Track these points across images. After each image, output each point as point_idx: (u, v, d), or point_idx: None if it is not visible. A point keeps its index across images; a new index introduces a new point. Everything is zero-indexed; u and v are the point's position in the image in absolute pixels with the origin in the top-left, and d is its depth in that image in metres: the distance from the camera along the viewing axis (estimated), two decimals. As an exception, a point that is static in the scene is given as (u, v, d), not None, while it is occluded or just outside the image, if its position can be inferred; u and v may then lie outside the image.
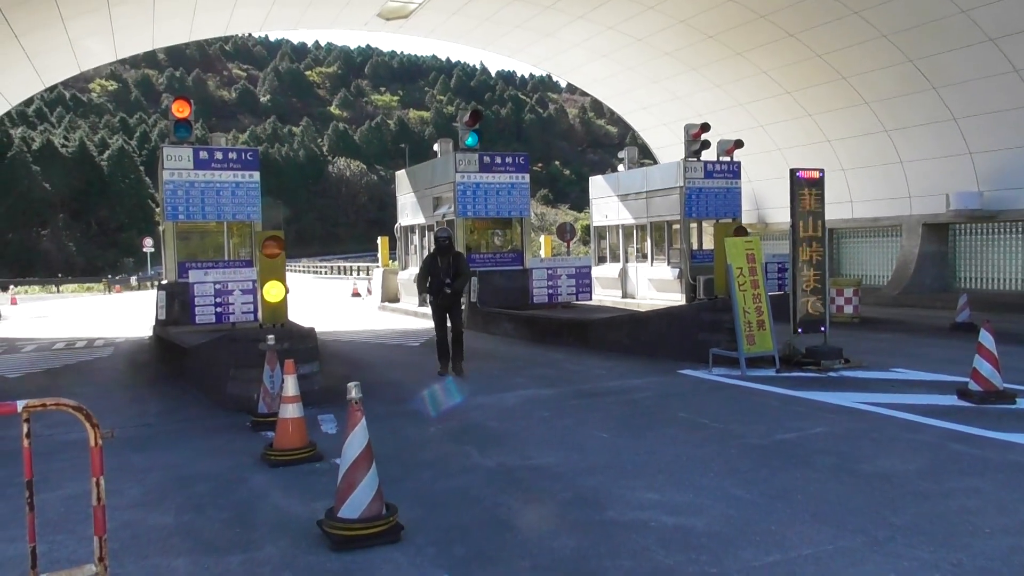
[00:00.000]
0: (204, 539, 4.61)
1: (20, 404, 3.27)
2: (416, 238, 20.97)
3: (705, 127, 18.47)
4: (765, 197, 24.54)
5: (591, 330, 13.27)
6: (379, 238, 26.49)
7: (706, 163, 18.51)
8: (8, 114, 57.10)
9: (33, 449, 3.32)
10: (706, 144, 18.56)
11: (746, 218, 21.20)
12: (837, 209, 21.31)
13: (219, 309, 11.69)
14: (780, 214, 22.99)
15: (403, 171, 22.50)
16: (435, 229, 10.56)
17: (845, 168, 21.67)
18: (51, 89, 70.57)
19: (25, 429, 3.28)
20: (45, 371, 12.18)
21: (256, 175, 14.23)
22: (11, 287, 43.36)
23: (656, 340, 11.76)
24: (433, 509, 4.99)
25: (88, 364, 13.06)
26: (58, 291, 50.41)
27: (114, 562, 3.68)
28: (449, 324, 10.30)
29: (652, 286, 19.58)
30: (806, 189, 10.20)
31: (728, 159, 18.83)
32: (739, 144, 18.78)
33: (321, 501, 4.92)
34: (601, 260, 22.01)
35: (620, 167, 22.30)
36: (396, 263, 23.69)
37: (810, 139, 22.20)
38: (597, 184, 22.42)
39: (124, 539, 4.57)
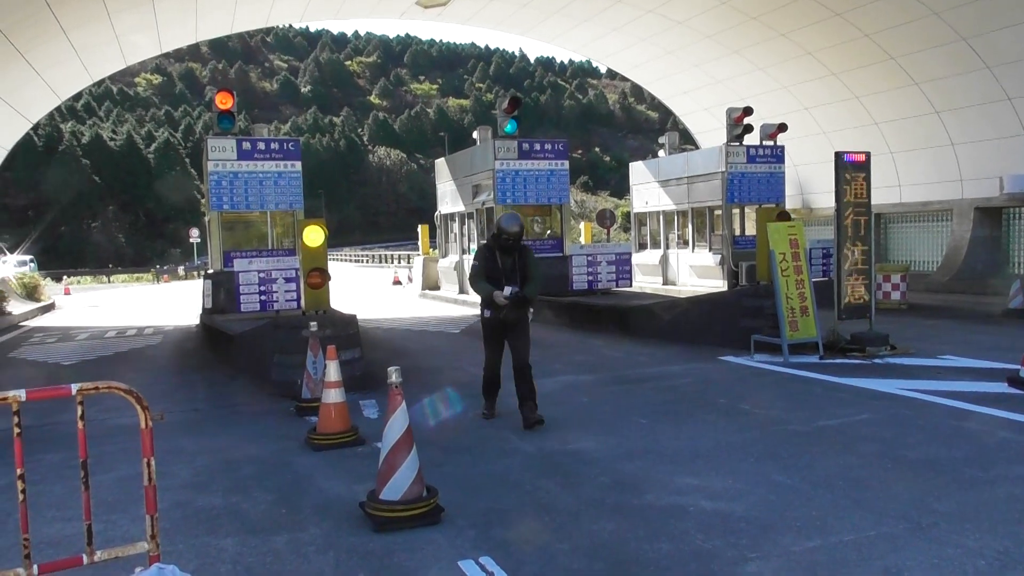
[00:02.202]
0: (251, 520, 4.73)
1: (74, 387, 3.39)
2: (456, 226, 21.05)
3: (747, 111, 18.18)
4: (810, 182, 24.09)
5: (631, 317, 13.22)
6: (419, 226, 26.65)
7: (748, 147, 18.23)
8: (58, 109, 58.59)
9: (88, 433, 3.44)
10: (748, 128, 18.27)
11: (790, 203, 20.86)
12: (885, 193, 20.85)
13: (263, 297, 11.90)
14: (825, 199, 22.55)
15: (442, 159, 22.59)
16: (500, 218, 6.97)
17: (893, 151, 21.17)
18: (99, 83, 72.15)
19: (79, 411, 3.39)
20: (98, 358, 12.54)
21: (298, 165, 14.41)
22: (64, 278, 44.57)
23: (697, 327, 11.67)
24: (473, 492, 5.05)
25: (139, 351, 13.41)
26: (109, 281, 51.73)
27: (165, 540, 3.79)
28: (509, 351, 6.92)
29: (693, 273, 19.40)
30: (851, 172, 10.01)
31: (771, 143, 18.51)
32: (783, 128, 18.45)
33: (363, 484, 5.01)
34: (641, 247, 21.86)
35: (661, 153, 22.08)
36: (436, 251, 23.82)
37: (857, 122, 21.72)
38: (637, 170, 22.24)
39: (175, 519, 4.71)
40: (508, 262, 6.88)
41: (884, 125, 21.16)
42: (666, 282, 20.43)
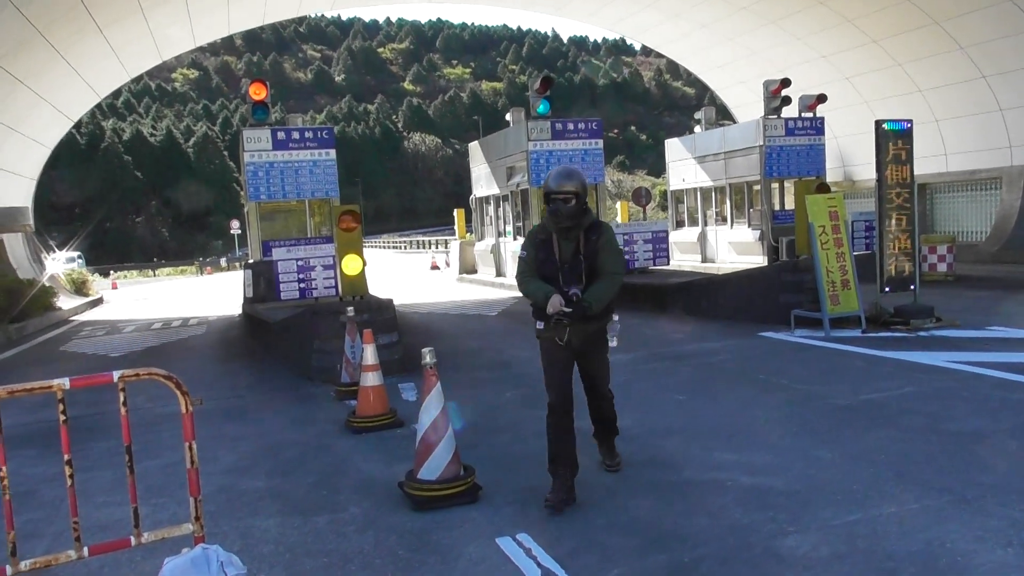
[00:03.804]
0: (292, 501, 4.82)
1: (116, 374, 3.47)
2: (491, 209, 21.05)
3: (785, 82, 17.82)
4: (851, 153, 23.57)
5: (668, 294, 13.12)
6: (455, 211, 26.71)
7: (787, 120, 17.89)
8: (99, 107, 59.76)
9: (135, 421, 3.53)
10: (787, 100, 17.91)
11: (831, 176, 20.45)
12: (930, 163, 20.31)
13: (302, 285, 12.04)
14: (867, 170, 22.02)
15: (476, 143, 22.57)
16: (547, 183, 4.53)
17: (938, 119, 20.59)
18: (137, 80, 73.50)
19: (122, 398, 3.48)
20: (145, 349, 12.84)
21: (332, 153, 14.52)
22: (111, 273, 45.73)
23: (735, 303, 11.54)
24: (509, 471, 5.08)
25: (184, 341, 13.70)
26: (154, 275, 52.88)
27: (210, 523, 3.89)
28: (584, 381, 4.90)
29: (732, 249, 19.16)
30: (893, 141, 9.77)
31: (810, 115, 18.13)
32: (822, 99, 18.06)
33: (402, 464, 5.07)
34: (679, 224, 21.64)
35: (697, 128, 21.78)
36: (472, 235, 23.87)
37: (900, 90, 21.15)
38: (673, 147, 21.98)
39: (219, 502, 4.82)
40: (569, 249, 4.48)
41: (928, 92, 20.58)
42: (704, 260, 20.22)
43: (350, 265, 9.39)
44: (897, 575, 3.36)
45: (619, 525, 4.09)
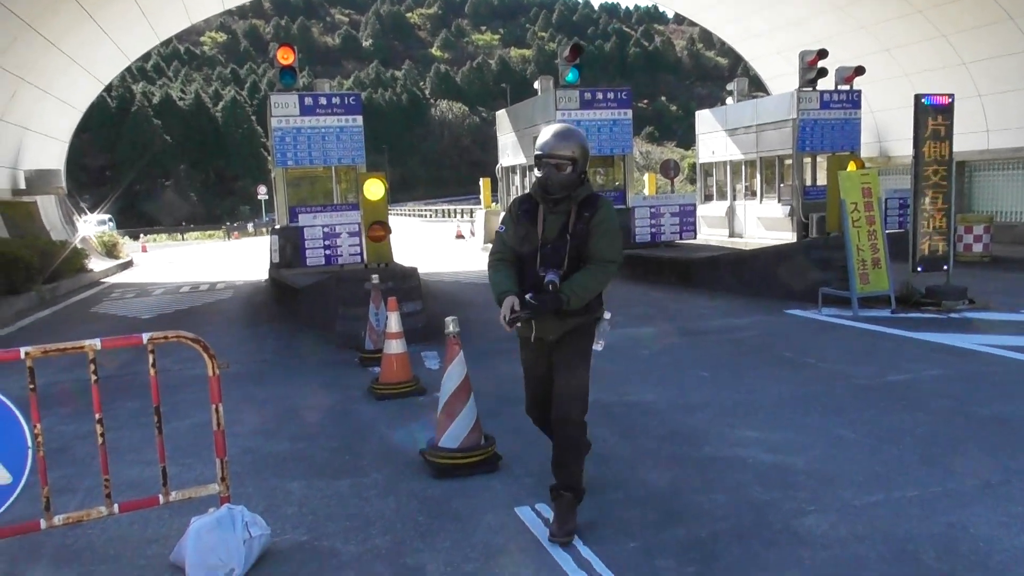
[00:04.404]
0: (316, 465, 4.89)
1: (145, 336, 3.53)
2: (517, 178, 20.96)
3: (822, 53, 17.43)
4: (888, 128, 23.09)
5: (694, 269, 13.03)
6: (481, 180, 26.64)
7: (822, 93, 17.54)
8: (129, 70, 60.04)
9: (163, 383, 3.59)
10: (823, 72, 17.53)
11: (866, 151, 20.06)
12: (971, 139, 19.82)
13: (328, 251, 12.11)
14: (904, 146, 21.56)
15: (503, 111, 22.41)
16: (539, 143, 3.67)
17: (982, 94, 20.04)
18: (166, 43, 73.71)
19: (151, 360, 3.54)
20: (174, 312, 13.03)
21: (359, 119, 14.50)
22: (141, 236, 46.29)
23: (762, 279, 11.44)
24: (530, 442, 5.09)
25: (211, 305, 13.87)
26: (183, 239, 53.42)
27: (236, 483, 3.96)
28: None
29: (761, 224, 18.94)
30: (933, 116, 9.54)
31: (847, 87, 17.76)
32: (860, 71, 17.65)
33: (423, 432, 5.12)
34: (707, 198, 21.42)
35: (729, 100, 21.44)
36: (498, 204, 23.82)
37: (943, 62, 20.59)
38: (704, 119, 21.68)
39: (245, 463, 4.91)
40: (556, 225, 3.69)
41: (973, 65, 20.02)
42: (732, 234, 20.02)
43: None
44: (917, 558, 3.35)
45: (637, 499, 4.11)
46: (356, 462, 4.91)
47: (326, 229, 12.21)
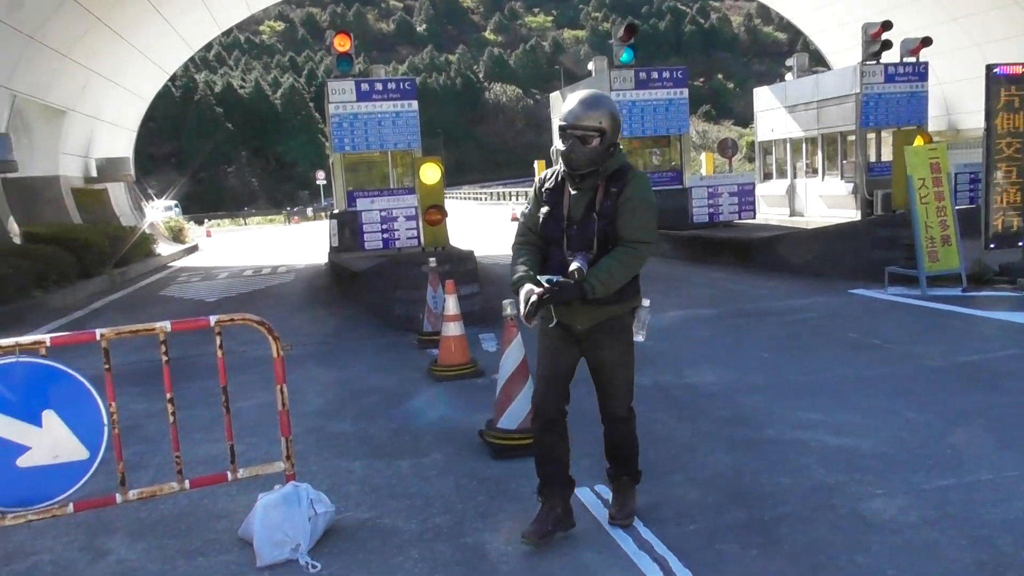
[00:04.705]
0: (377, 445, 4.98)
1: (212, 319, 3.63)
2: (572, 160, 20.84)
3: (886, 25, 16.82)
4: (957, 101, 22.23)
5: (754, 249, 12.79)
6: (536, 162, 26.55)
7: (887, 66, 16.94)
8: (192, 60, 61.40)
9: (229, 364, 3.69)
10: (887, 44, 16.92)
11: (933, 125, 19.35)
12: (1042, 110, 18.95)
13: (385, 235, 12.25)
14: (974, 119, 20.73)
15: (557, 93, 22.28)
16: (563, 112, 3.26)
17: (1055, 63, 19.14)
18: (227, 33, 75.03)
19: (218, 342, 3.64)
20: (237, 295, 13.36)
21: (414, 104, 14.57)
22: (205, 221, 47.52)
23: (825, 259, 11.17)
24: (587, 424, 5.06)
25: (273, 289, 14.18)
26: (245, 223, 54.71)
27: (300, 462, 4.05)
28: (596, 388, 3.67)
29: (823, 203, 18.47)
30: (1005, 87, 9.14)
31: (913, 60, 17.12)
32: (926, 42, 16.99)
33: (481, 413, 5.15)
34: (767, 177, 20.97)
35: (788, 76, 20.90)
36: (553, 187, 23.70)
37: (1015, 31, 19.67)
38: (763, 96, 21.18)
39: (308, 443, 5.02)
40: (582, 204, 3.33)
41: (1047, 34, 19.12)
42: (793, 213, 19.57)
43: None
44: (993, 544, 3.25)
45: (697, 481, 4.07)
46: (416, 442, 4.98)
47: (383, 213, 12.35)
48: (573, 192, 3.33)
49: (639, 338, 3.46)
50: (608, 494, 3.90)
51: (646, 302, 3.47)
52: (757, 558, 3.25)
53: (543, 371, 3.51)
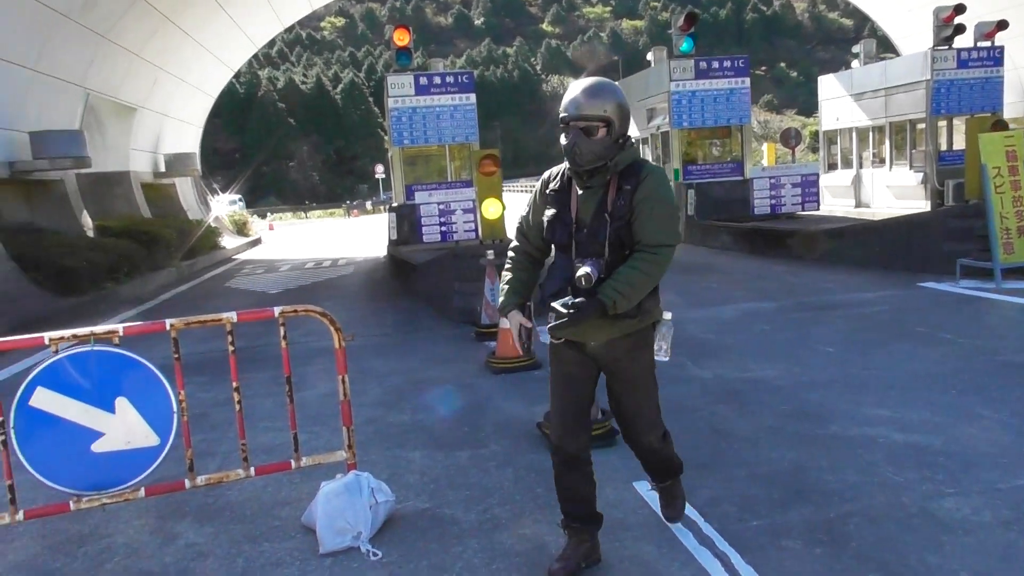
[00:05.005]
0: (436, 436, 5.02)
1: (277, 310, 3.71)
2: (630, 152, 20.67)
3: (959, 9, 16.20)
4: (1033, 86, 21.29)
5: (817, 241, 12.48)
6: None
7: (959, 51, 16.32)
8: (255, 57, 62.75)
9: (291, 354, 3.76)
10: (960, 28, 16.29)
11: (1009, 111, 18.56)
12: None
13: (443, 228, 12.36)
14: (1053, 105, 19.91)
15: (616, 84, 22.10)
16: (564, 102, 2.92)
17: None
18: (289, 30, 76.49)
19: (282, 332, 3.71)
20: (299, 287, 13.63)
21: (472, 97, 14.62)
22: (268, 214, 48.61)
23: (892, 251, 10.84)
24: (648, 417, 5.05)
25: (333, 281, 14.42)
26: (306, 216, 55.76)
27: (361, 451, 4.11)
28: (615, 413, 3.25)
29: (890, 193, 17.92)
30: (1085, 71, 8.71)
31: (988, 44, 16.47)
32: (1002, 25, 16.29)
33: (539, 405, 5.15)
34: (831, 167, 20.44)
35: (855, 63, 20.33)
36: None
37: (1095, 13, 18.77)
38: (828, 84, 20.64)
39: (369, 433, 5.09)
40: (591, 204, 2.98)
41: None
42: (859, 204, 19.05)
43: (490, 210, 9.48)
44: (1072, 547, 3.11)
45: (760, 477, 4.00)
46: (474, 434, 5.01)
47: (441, 206, 12.45)
48: (580, 192, 2.99)
49: (662, 357, 3.09)
50: (668, 488, 3.86)
51: (668, 315, 3.07)
52: (822, 556, 3.17)
53: (558, 403, 3.14)
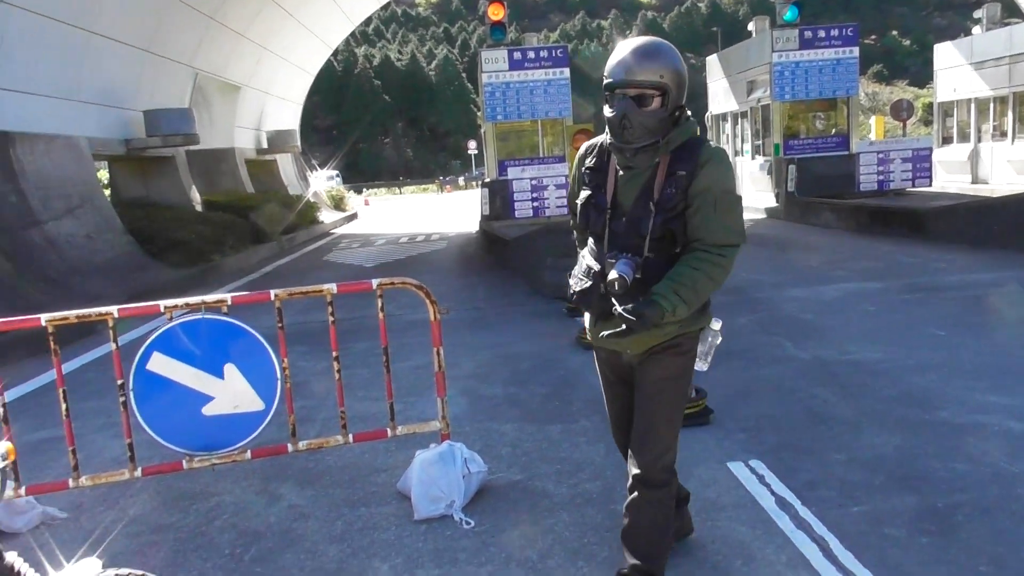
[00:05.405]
0: (527, 410, 5.06)
1: (375, 282, 3.80)
2: (728, 126, 20.11)
3: (1094, -32, 15.00)
4: None
5: (929, 219, 11.87)
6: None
7: (1093, 14, 15.13)
8: (352, 35, 64.06)
9: (387, 326, 3.85)
10: (1094, -10, 15.10)
11: None
12: None
13: (535, 203, 12.36)
14: None
15: (714, 56, 21.50)
16: (609, 67, 2.44)
17: None
18: (385, 7, 77.66)
19: (379, 304, 3.80)
20: (394, 261, 13.92)
21: (566, 72, 14.51)
22: (364, 190, 49.77)
23: (1013, 230, 10.19)
24: (743, 397, 4.94)
25: (427, 256, 14.65)
26: (400, 192, 56.82)
27: (454, 423, 4.18)
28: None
29: (1011, 168, 16.83)
30: None
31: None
32: None
33: (632, 382, 5.10)
34: (945, 141, 19.36)
35: (976, 30, 19.12)
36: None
37: None
38: (944, 52, 19.50)
39: (462, 405, 5.17)
40: (633, 188, 2.54)
41: None
42: (975, 180, 17.99)
43: None
44: None
45: (862, 461, 3.86)
46: (565, 408, 5.02)
47: (533, 182, 12.45)
48: (621, 172, 2.54)
49: (701, 367, 2.70)
50: (763, 469, 3.77)
51: (716, 324, 2.64)
52: (928, 546, 3.04)
53: (609, 410, 2.95)
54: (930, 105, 22.90)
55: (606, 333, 2.52)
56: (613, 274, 2.41)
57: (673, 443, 2.67)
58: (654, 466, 2.60)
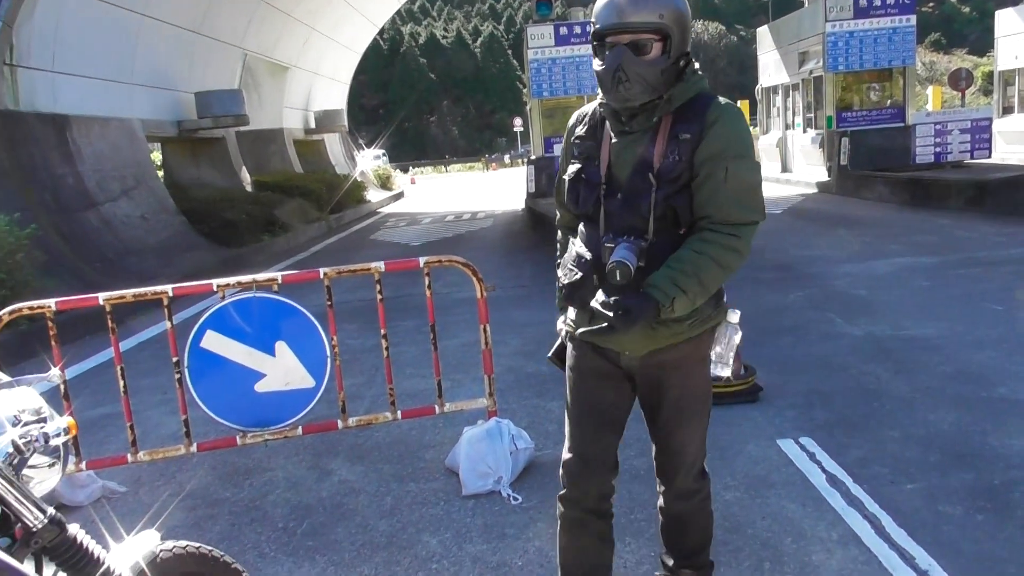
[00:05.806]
0: (573, 387, 5.05)
1: (422, 260, 3.83)
2: (778, 99, 19.68)
3: None
4: None
5: (988, 192, 11.48)
6: (739, 102, 25.30)
7: None
8: (398, 13, 64.15)
9: (434, 304, 3.89)
10: None
11: None
12: None
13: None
14: None
15: (765, 27, 21.00)
16: (597, 11, 1.97)
17: None
18: (431, -16, 77.77)
19: (427, 282, 3.84)
20: (440, 240, 14.00)
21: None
22: (410, 169, 50.02)
23: (1077, 201, 9.82)
24: (793, 374, 4.88)
25: (473, 234, 14.69)
26: (446, 171, 57.02)
27: (500, 399, 4.21)
28: (654, 442, 2.39)
29: (1076, 138, 16.19)
30: None
31: None
32: None
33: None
34: (1006, 111, 18.65)
35: (1040, -7, 18.31)
36: (757, 128, 22.56)
37: None
38: (1007, 18, 18.73)
39: (508, 381, 5.20)
40: (631, 155, 2.06)
41: None
42: (1038, 151, 17.31)
43: None
44: None
45: (916, 438, 3.78)
46: (612, 385, 5.00)
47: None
48: (615, 139, 2.09)
49: (720, 371, 2.29)
50: (814, 447, 3.73)
51: (734, 316, 2.23)
52: (983, 524, 2.98)
53: (577, 419, 2.33)
54: (990, 74, 22.04)
55: (581, 331, 2.15)
56: (613, 261, 1.95)
57: (703, 447, 2.34)
58: (695, 481, 2.34)
